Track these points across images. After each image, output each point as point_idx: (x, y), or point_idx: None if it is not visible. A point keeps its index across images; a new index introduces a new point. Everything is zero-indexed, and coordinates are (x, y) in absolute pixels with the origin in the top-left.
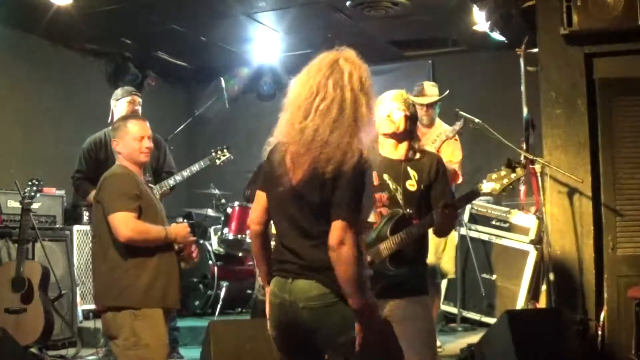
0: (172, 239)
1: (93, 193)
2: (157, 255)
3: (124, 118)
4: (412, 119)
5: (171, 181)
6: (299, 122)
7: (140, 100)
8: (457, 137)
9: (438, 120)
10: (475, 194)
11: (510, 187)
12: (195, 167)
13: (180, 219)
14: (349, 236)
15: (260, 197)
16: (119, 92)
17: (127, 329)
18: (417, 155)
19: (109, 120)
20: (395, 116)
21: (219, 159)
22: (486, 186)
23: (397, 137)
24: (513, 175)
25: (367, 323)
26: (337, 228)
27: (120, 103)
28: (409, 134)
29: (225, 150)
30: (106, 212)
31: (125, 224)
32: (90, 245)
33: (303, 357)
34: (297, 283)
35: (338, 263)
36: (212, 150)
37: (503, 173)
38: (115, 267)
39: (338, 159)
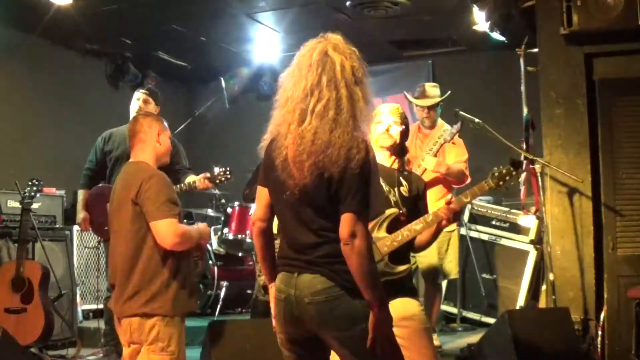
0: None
1: (82, 193)
2: (182, 259)
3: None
4: (406, 132)
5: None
6: (297, 125)
7: (151, 100)
8: (457, 138)
9: (440, 121)
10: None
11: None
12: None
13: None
14: (359, 228)
15: (262, 193)
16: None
17: (155, 334)
18: (407, 168)
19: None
20: (393, 131)
21: (220, 180)
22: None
23: (393, 149)
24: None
25: (380, 318)
26: (347, 220)
27: (133, 98)
28: (403, 146)
29: (227, 173)
30: (150, 217)
31: (173, 231)
32: (103, 244)
33: (308, 353)
34: (302, 277)
35: (352, 256)
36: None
37: (505, 171)
38: (150, 272)
39: (343, 157)
